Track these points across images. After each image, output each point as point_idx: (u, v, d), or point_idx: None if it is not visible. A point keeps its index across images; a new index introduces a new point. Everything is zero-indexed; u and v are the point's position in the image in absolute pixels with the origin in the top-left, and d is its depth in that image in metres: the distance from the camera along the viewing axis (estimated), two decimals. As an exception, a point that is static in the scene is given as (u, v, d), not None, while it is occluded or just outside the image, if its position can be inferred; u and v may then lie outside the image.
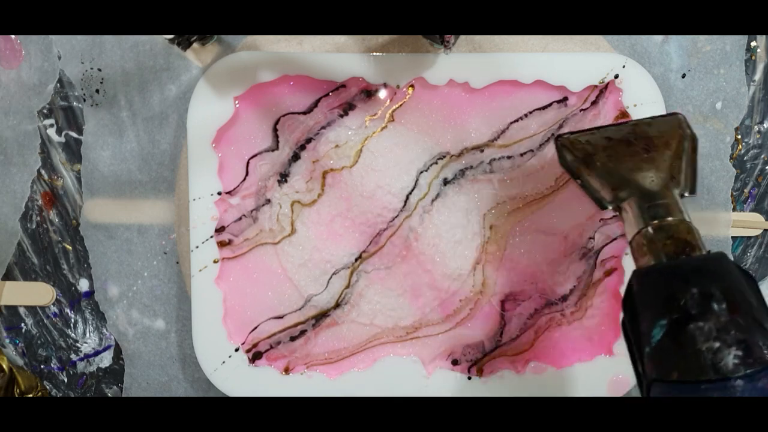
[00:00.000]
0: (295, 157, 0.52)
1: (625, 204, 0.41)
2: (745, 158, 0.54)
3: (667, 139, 0.43)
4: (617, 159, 0.43)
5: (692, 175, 0.42)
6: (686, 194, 0.41)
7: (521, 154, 0.52)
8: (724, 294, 0.32)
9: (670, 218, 0.38)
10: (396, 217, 0.52)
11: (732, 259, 0.34)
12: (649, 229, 0.38)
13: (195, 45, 0.51)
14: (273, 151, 0.52)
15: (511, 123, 0.52)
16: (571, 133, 0.45)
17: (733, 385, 0.30)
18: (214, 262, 0.52)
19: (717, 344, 0.31)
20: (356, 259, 0.53)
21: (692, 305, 0.32)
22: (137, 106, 0.53)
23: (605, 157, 0.43)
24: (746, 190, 0.54)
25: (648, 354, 0.34)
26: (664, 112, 0.50)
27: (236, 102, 0.51)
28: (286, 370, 0.53)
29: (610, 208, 0.42)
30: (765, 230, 0.54)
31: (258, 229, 0.53)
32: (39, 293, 0.55)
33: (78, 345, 0.56)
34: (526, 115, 0.52)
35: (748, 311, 0.32)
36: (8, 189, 0.54)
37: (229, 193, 0.52)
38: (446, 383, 0.52)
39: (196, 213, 0.51)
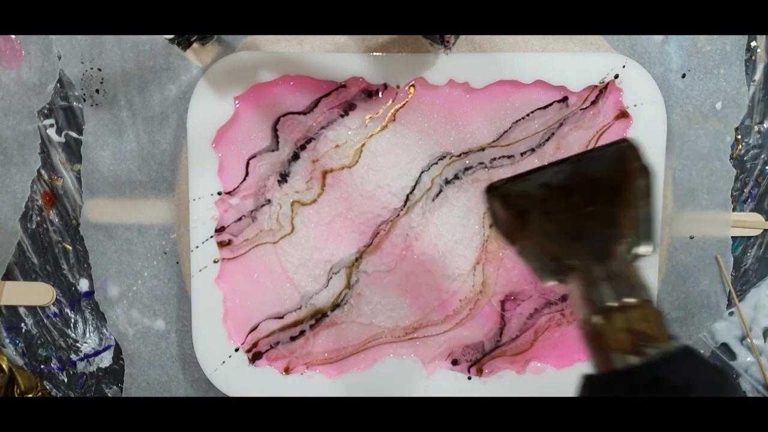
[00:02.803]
0: (295, 156, 0.52)
1: (568, 279, 0.33)
2: (745, 158, 0.54)
3: (613, 182, 0.34)
4: (554, 217, 0.34)
5: (649, 225, 0.33)
6: (642, 253, 0.33)
7: (521, 153, 0.52)
8: None
9: (621, 301, 0.30)
10: (396, 217, 0.52)
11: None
12: (594, 318, 0.30)
13: (195, 45, 0.51)
14: (273, 151, 0.52)
15: (514, 123, 0.52)
16: (503, 182, 0.36)
17: None
18: (214, 262, 0.52)
19: None
20: (356, 259, 0.53)
21: None
22: (137, 106, 0.53)
23: (541, 215, 0.34)
24: (746, 190, 0.54)
25: None
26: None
27: (236, 102, 0.51)
28: (286, 370, 0.53)
29: (552, 283, 0.35)
30: (765, 230, 0.54)
31: (258, 229, 0.53)
32: (39, 293, 0.55)
33: (78, 345, 0.56)
34: (527, 115, 0.52)
35: None
36: (8, 189, 0.54)
37: (229, 193, 0.52)
38: (446, 383, 0.52)
39: (196, 213, 0.51)
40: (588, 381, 0.30)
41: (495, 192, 0.36)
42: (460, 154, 0.52)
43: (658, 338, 0.29)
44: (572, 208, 0.34)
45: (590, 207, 0.34)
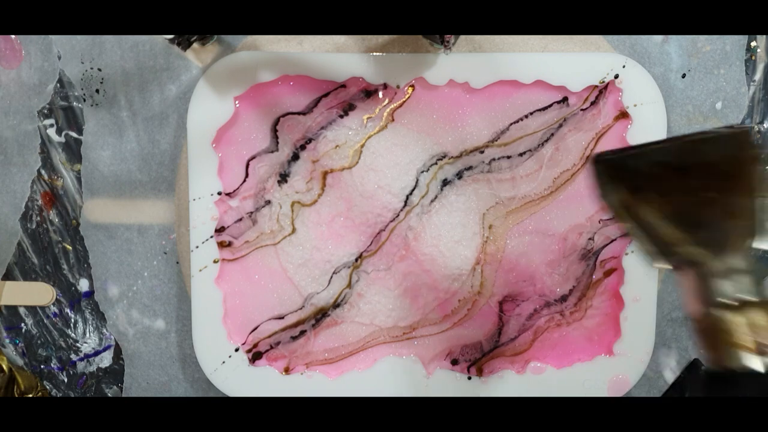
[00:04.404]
0: (295, 157, 0.52)
1: (682, 268, 0.33)
2: (745, 158, 0.54)
3: (730, 168, 0.32)
4: (673, 200, 0.33)
5: (764, 216, 0.32)
6: (760, 246, 0.32)
7: (520, 154, 0.52)
8: None
9: (743, 299, 0.29)
10: (396, 217, 0.52)
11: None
12: (714, 312, 0.30)
13: (195, 45, 0.51)
14: (272, 152, 0.52)
15: (512, 124, 0.52)
16: (613, 152, 0.35)
17: None
18: (214, 262, 0.52)
19: None
20: (356, 259, 0.53)
21: None
22: (137, 106, 0.53)
23: (656, 196, 0.33)
24: (746, 190, 0.54)
25: None
26: (663, 113, 0.49)
27: (236, 102, 0.51)
28: (286, 370, 0.53)
29: (662, 266, 0.34)
30: (765, 230, 0.54)
31: (258, 231, 0.53)
32: (39, 293, 0.55)
33: (78, 345, 0.56)
34: (526, 116, 0.52)
35: None
36: (8, 189, 0.54)
37: (228, 194, 0.52)
38: (446, 383, 0.52)
39: (196, 213, 0.51)
40: (711, 376, 0.30)
41: (605, 164, 0.35)
42: (459, 155, 0.52)
43: None
44: (690, 192, 0.33)
45: (710, 193, 0.32)
